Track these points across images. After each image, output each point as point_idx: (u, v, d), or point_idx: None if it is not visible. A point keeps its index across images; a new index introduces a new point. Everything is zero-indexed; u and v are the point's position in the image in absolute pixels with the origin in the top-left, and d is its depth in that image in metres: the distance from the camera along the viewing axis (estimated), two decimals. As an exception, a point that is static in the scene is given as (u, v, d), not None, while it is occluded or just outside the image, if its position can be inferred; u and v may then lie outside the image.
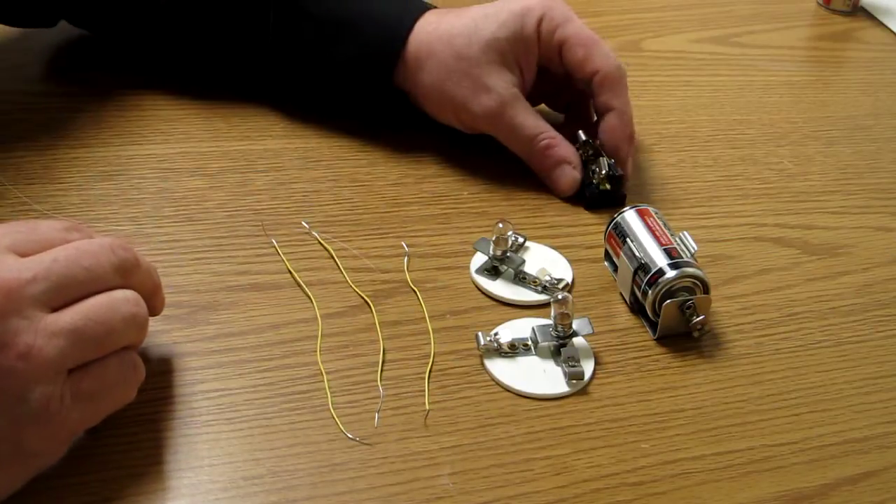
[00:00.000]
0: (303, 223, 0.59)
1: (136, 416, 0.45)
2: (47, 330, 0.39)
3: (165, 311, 0.51)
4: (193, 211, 0.60)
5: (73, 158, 0.63)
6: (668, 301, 0.52)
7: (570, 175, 0.63)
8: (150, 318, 0.45)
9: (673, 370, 0.52)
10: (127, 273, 0.44)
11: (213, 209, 0.60)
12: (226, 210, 0.60)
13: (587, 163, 0.64)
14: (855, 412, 0.51)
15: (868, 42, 0.91)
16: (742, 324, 0.56)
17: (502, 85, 0.62)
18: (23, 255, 0.41)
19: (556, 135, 0.64)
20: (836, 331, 0.56)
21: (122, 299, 0.43)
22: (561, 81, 0.67)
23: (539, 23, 0.62)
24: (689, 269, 0.53)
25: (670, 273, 0.53)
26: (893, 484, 0.47)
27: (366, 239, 0.59)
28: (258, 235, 0.58)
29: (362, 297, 0.54)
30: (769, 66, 0.81)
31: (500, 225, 0.57)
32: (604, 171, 0.63)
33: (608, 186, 0.63)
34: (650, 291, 0.53)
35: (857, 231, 0.65)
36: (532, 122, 0.63)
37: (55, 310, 0.40)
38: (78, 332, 0.40)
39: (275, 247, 0.57)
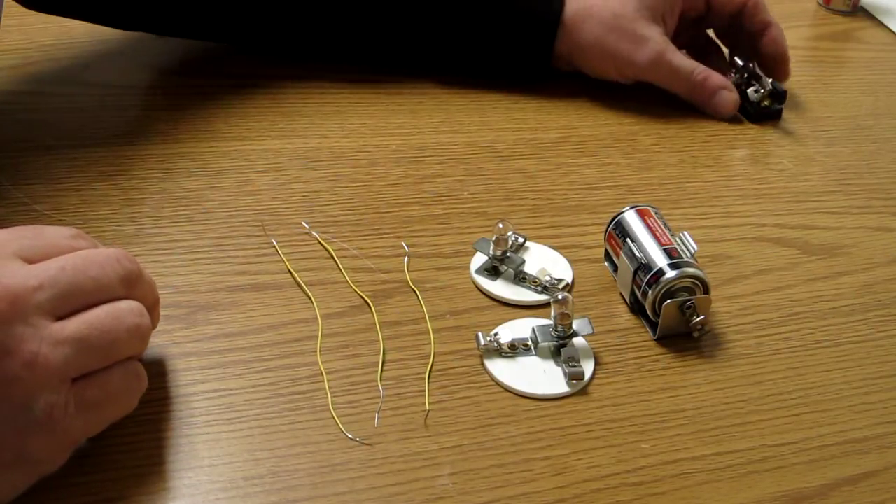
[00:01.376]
0: (303, 223, 0.59)
1: (136, 416, 0.45)
2: (52, 338, 0.39)
3: (165, 311, 0.51)
4: (193, 211, 0.60)
5: (73, 158, 0.63)
6: (668, 301, 0.52)
7: (729, 98, 0.74)
8: None
9: (673, 370, 0.52)
10: (131, 284, 0.44)
11: (213, 209, 0.60)
12: (226, 210, 0.60)
13: (746, 84, 0.76)
14: (855, 412, 0.51)
15: (868, 42, 0.91)
16: (742, 324, 0.56)
17: (657, 36, 0.72)
18: (29, 261, 0.41)
19: (708, 69, 0.73)
20: (836, 331, 0.56)
21: (127, 310, 0.43)
22: (685, 26, 0.77)
23: None
24: (689, 269, 0.53)
25: (670, 273, 0.53)
26: (893, 484, 0.47)
27: (366, 239, 0.59)
28: (258, 235, 0.58)
29: (362, 297, 0.54)
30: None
31: (500, 225, 0.57)
32: (768, 89, 0.75)
33: (768, 103, 0.76)
34: (650, 291, 0.53)
35: (857, 231, 0.65)
36: (687, 62, 0.73)
37: (60, 318, 0.40)
38: (83, 341, 0.40)
39: (275, 247, 0.57)
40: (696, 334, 0.53)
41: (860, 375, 0.53)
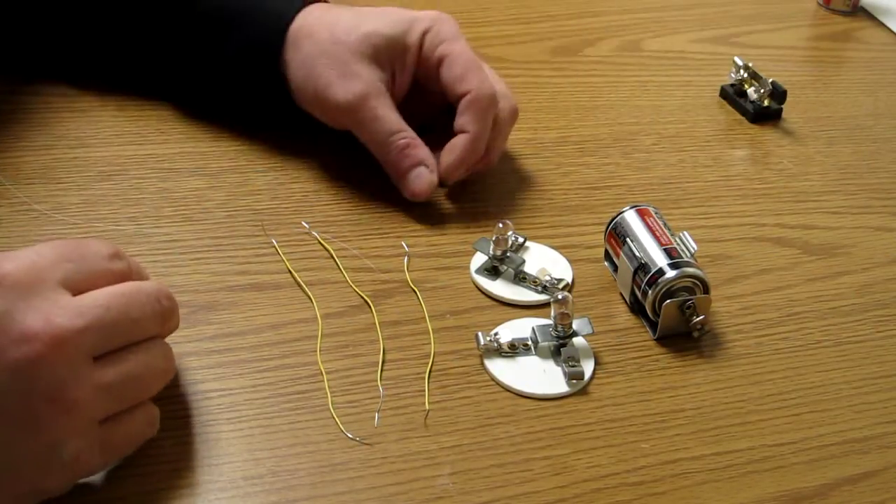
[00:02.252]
0: (303, 223, 0.59)
1: (136, 416, 0.45)
2: (91, 383, 0.39)
3: (165, 311, 0.51)
4: (193, 211, 0.60)
5: (73, 158, 0.63)
6: (668, 301, 0.52)
7: (426, 178, 0.60)
8: None
9: (673, 370, 0.52)
10: (165, 321, 0.44)
11: (213, 209, 0.60)
12: (226, 210, 0.60)
13: (746, 82, 0.75)
14: (855, 412, 0.51)
15: (868, 42, 0.91)
16: (742, 324, 0.56)
17: (369, 77, 0.60)
18: (73, 290, 0.40)
19: (417, 137, 0.60)
20: (836, 331, 0.56)
21: (161, 356, 0.43)
22: (435, 106, 0.64)
23: (425, 33, 0.61)
24: (689, 269, 0.53)
25: (670, 273, 0.53)
26: (893, 484, 0.47)
27: (366, 239, 0.59)
28: (258, 235, 0.58)
29: (362, 297, 0.54)
30: (769, 66, 0.81)
31: (500, 225, 0.57)
32: (767, 89, 0.74)
33: (768, 103, 0.74)
34: (650, 291, 0.53)
35: (857, 231, 0.65)
36: (394, 118, 0.60)
37: (98, 358, 0.40)
38: (118, 388, 0.41)
39: (275, 247, 0.57)
40: (696, 334, 0.53)
41: (860, 375, 0.53)
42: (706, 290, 0.53)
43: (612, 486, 0.46)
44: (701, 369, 0.53)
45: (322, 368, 0.50)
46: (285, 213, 0.60)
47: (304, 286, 0.55)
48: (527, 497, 0.45)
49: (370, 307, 0.54)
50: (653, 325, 0.54)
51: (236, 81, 0.64)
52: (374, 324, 0.53)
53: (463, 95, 0.60)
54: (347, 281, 0.55)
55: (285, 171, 0.64)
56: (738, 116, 0.76)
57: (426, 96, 0.63)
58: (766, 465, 0.48)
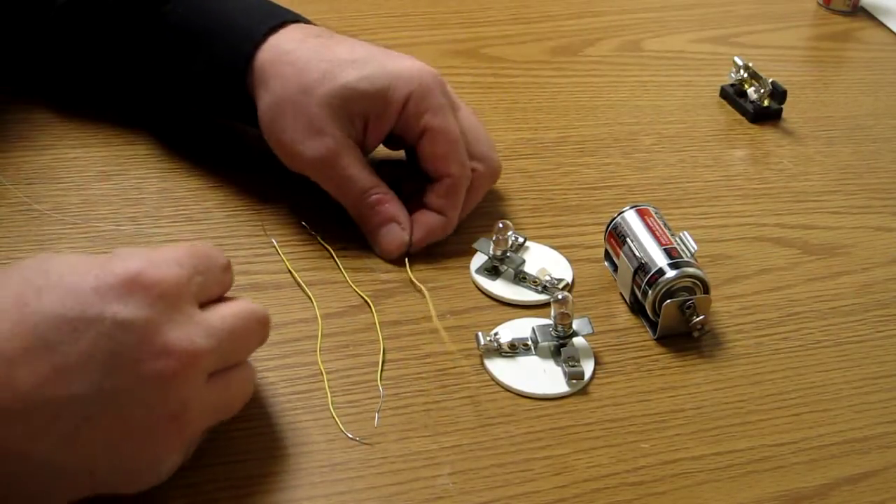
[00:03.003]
0: (303, 223, 0.59)
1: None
2: (204, 402, 0.41)
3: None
4: (193, 211, 0.60)
5: (73, 158, 0.63)
6: (668, 301, 0.52)
7: (397, 235, 0.57)
8: None
9: (673, 370, 0.52)
10: (260, 344, 0.45)
11: (213, 209, 0.60)
12: (226, 210, 0.60)
13: (746, 82, 0.75)
14: (855, 412, 0.51)
15: (868, 42, 0.91)
16: (742, 324, 0.56)
17: (336, 134, 0.56)
18: (200, 304, 0.41)
19: (389, 192, 0.58)
20: (836, 331, 0.56)
21: (248, 379, 0.44)
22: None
23: (408, 98, 0.56)
24: (689, 269, 0.53)
25: (670, 273, 0.53)
26: (893, 484, 0.47)
27: (366, 239, 0.59)
28: (258, 235, 0.58)
29: (362, 297, 0.54)
30: (769, 66, 0.81)
31: (500, 225, 0.57)
32: (767, 89, 0.74)
33: (768, 103, 0.74)
34: (650, 291, 0.53)
35: (857, 231, 0.65)
36: (365, 175, 0.57)
37: (210, 375, 0.41)
38: (223, 407, 0.43)
39: (275, 247, 0.57)
40: (696, 334, 0.53)
41: (860, 375, 0.53)
42: (706, 290, 0.53)
43: (612, 486, 0.46)
44: (701, 369, 0.53)
45: (322, 368, 0.50)
46: (285, 213, 0.60)
47: (304, 286, 0.55)
48: (527, 497, 0.45)
49: (370, 307, 0.54)
50: (653, 325, 0.54)
51: (205, 99, 0.62)
52: (374, 324, 0.53)
53: (442, 177, 0.57)
54: (347, 281, 0.55)
55: (285, 172, 0.64)
56: (738, 116, 0.76)
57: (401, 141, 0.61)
58: (766, 465, 0.48)
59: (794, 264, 0.61)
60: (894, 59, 0.88)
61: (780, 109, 0.76)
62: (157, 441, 0.39)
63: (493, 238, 0.57)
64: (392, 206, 0.58)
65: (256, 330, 0.44)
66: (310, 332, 0.52)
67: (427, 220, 0.58)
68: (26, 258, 0.40)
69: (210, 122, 0.67)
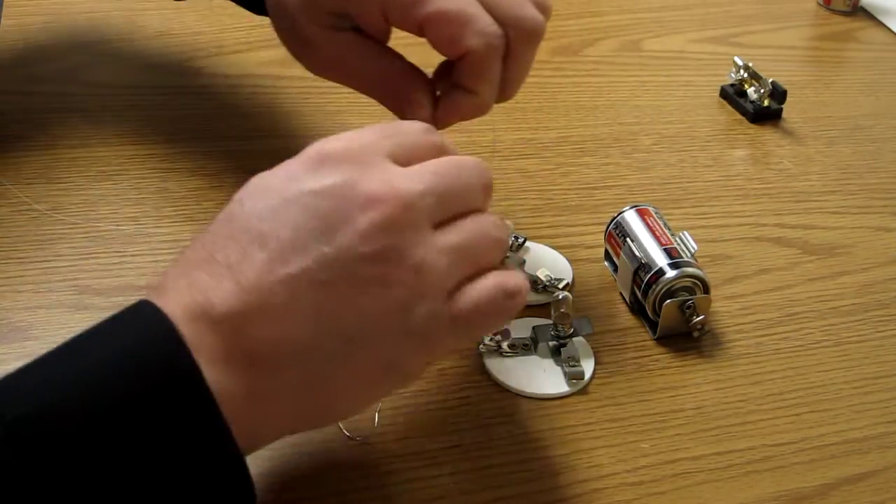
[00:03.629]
0: (303, 223, 0.59)
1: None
2: (436, 246, 0.39)
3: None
4: (194, 211, 0.60)
5: (73, 158, 0.63)
6: (668, 301, 0.52)
7: (417, 116, 0.50)
8: None
9: (673, 370, 0.52)
10: (488, 193, 0.43)
11: (213, 209, 0.60)
12: (226, 210, 0.60)
13: (746, 82, 0.75)
14: (855, 412, 0.51)
15: (868, 42, 0.91)
16: (742, 324, 0.56)
17: (323, 34, 0.51)
18: (400, 164, 0.40)
19: (407, 70, 0.51)
20: (836, 331, 0.56)
21: (491, 223, 0.42)
22: None
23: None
24: (689, 269, 0.53)
25: (670, 273, 0.53)
26: (893, 484, 0.47)
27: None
28: (258, 235, 0.58)
29: (362, 297, 0.54)
30: (769, 66, 0.81)
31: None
32: (767, 89, 0.74)
33: (768, 103, 0.75)
34: (650, 291, 0.53)
35: (857, 231, 0.65)
36: (371, 64, 0.51)
37: (436, 226, 0.39)
38: (460, 252, 0.40)
39: (275, 247, 0.57)
40: (696, 334, 0.53)
41: (860, 375, 0.53)
42: (706, 290, 0.53)
43: (612, 486, 0.46)
44: (701, 369, 0.53)
45: (322, 368, 0.50)
46: (285, 213, 0.60)
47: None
48: (527, 497, 0.45)
49: (370, 307, 0.54)
50: (653, 325, 0.54)
51: None
52: (374, 324, 0.53)
53: (463, 55, 0.47)
54: (347, 281, 0.55)
55: (285, 171, 0.64)
56: (738, 116, 0.76)
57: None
58: (766, 465, 0.48)
59: (794, 264, 0.61)
60: (894, 59, 0.88)
61: (780, 109, 0.76)
62: (392, 289, 0.38)
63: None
64: (408, 85, 0.51)
65: (472, 172, 0.41)
66: (310, 332, 0.52)
67: (454, 98, 0.50)
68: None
69: (209, 122, 0.67)
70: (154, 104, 0.69)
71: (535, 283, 0.56)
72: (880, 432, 0.50)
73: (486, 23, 0.47)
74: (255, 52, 0.76)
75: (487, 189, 0.43)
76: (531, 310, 0.55)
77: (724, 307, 0.57)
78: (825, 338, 0.56)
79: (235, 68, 0.74)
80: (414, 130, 0.42)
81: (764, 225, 0.64)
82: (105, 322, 0.37)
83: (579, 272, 0.58)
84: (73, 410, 0.34)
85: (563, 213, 0.63)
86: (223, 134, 0.67)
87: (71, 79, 0.71)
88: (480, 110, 0.50)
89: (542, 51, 0.82)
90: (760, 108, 0.75)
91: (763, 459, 0.48)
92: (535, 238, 0.60)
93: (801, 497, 0.46)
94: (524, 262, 0.57)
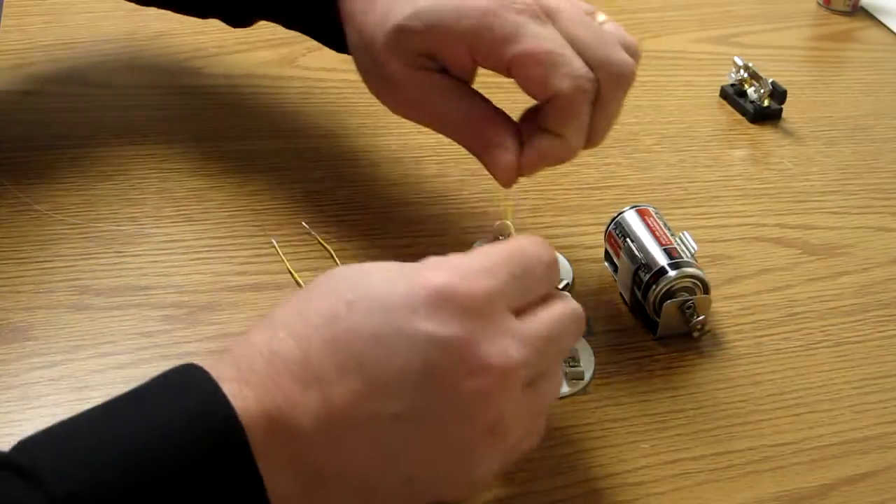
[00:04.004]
0: (303, 223, 0.59)
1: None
2: (520, 411, 0.39)
3: (166, 311, 0.52)
4: (193, 211, 0.60)
5: (72, 158, 0.63)
6: (669, 301, 0.52)
7: (502, 159, 0.51)
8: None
9: (673, 370, 0.52)
10: (578, 338, 0.43)
11: (213, 209, 0.60)
12: (226, 210, 0.60)
13: (746, 82, 0.75)
14: (855, 412, 0.51)
15: (868, 42, 0.91)
16: (742, 324, 0.56)
17: (409, 74, 0.51)
18: (516, 311, 0.40)
19: (492, 114, 0.52)
20: (836, 331, 0.56)
21: (559, 382, 0.42)
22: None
23: (471, 34, 0.48)
24: (689, 269, 0.53)
25: (670, 273, 0.53)
26: (893, 484, 0.47)
27: (366, 239, 0.59)
28: (258, 235, 0.58)
29: (362, 297, 0.54)
30: (769, 66, 0.81)
31: (501, 225, 0.57)
32: (767, 89, 0.74)
33: (768, 103, 0.75)
34: (650, 291, 0.53)
35: (857, 231, 0.65)
36: (455, 105, 0.51)
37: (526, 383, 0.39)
38: (534, 413, 0.41)
39: (275, 247, 0.57)
40: (696, 334, 0.53)
41: (860, 375, 0.53)
42: (706, 290, 0.53)
43: (612, 486, 0.46)
44: (701, 369, 0.53)
45: (322, 368, 0.50)
46: (285, 213, 0.60)
47: (305, 286, 0.55)
48: (527, 497, 0.45)
49: (370, 307, 0.54)
50: (653, 325, 0.54)
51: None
52: (375, 324, 0.53)
53: (550, 98, 0.48)
54: (347, 281, 0.55)
55: (285, 171, 0.64)
56: (738, 116, 0.76)
57: None
58: (766, 465, 0.48)
59: (794, 264, 0.61)
60: (894, 59, 0.88)
61: (780, 109, 0.76)
62: (474, 454, 0.38)
63: (494, 238, 0.57)
64: (492, 128, 0.50)
65: (572, 332, 0.42)
66: (310, 332, 0.52)
67: (540, 142, 0.49)
68: (334, 268, 0.40)
69: (209, 121, 0.67)
70: (154, 104, 0.69)
71: (535, 283, 0.56)
72: (880, 432, 0.50)
73: (576, 65, 0.47)
74: (255, 52, 0.76)
75: (576, 341, 0.43)
76: (531, 310, 0.55)
77: (724, 307, 0.57)
78: (825, 338, 0.56)
79: (235, 68, 0.74)
80: (540, 267, 0.41)
81: (764, 225, 0.64)
82: (161, 388, 0.37)
83: (579, 272, 0.58)
84: (127, 497, 0.33)
85: (563, 213, 0.63)
86: (223, 134, 0.67)
87: (71, 79, 0.71)
88: (566, 156, 0.50)
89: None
90: (760, 108, 0.75)
91: (763, 459, 0.48)
92: (535, 238, 0.60)
93: (801, 497, 0.46)
94: (524, 262, 0.57)
